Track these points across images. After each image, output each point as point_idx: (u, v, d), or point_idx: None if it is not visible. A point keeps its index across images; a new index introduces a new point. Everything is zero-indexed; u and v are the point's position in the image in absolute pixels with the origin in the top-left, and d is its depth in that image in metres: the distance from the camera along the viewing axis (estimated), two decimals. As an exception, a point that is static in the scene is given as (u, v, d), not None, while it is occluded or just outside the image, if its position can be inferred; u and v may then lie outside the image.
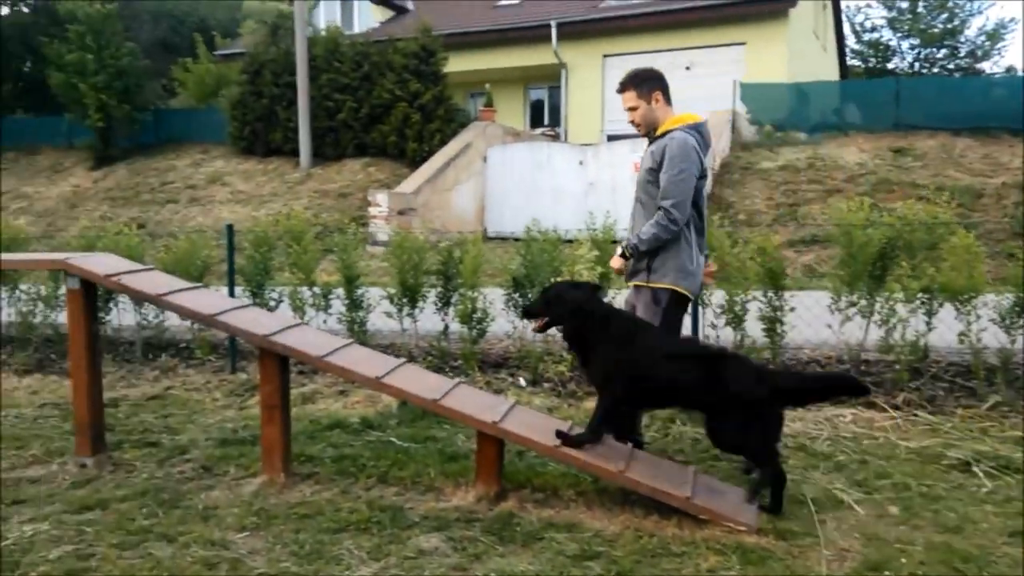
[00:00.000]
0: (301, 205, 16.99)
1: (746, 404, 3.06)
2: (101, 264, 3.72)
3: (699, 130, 3.53)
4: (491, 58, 21.21)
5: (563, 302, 3.30)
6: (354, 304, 5.60)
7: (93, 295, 3.80)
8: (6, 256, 4.13)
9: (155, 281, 3.76)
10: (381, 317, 5.74)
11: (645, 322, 3.42)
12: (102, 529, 3.03)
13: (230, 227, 5.62)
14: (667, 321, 3.49)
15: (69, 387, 5.32)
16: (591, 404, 3.95)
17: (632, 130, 3.79)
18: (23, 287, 6.28)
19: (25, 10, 30.00)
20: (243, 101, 19.12)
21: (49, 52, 20.14)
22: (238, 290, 5.73)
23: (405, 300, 5.54)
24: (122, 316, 6.17)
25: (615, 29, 19.83)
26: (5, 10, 29.70)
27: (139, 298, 3.96)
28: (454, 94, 18.57)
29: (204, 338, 5.94)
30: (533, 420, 3.59)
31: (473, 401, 3.56)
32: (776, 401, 3.15)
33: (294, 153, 18.65)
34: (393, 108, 17.73)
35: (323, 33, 19.35)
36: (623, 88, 3.60)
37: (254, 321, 3.66)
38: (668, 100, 3.61)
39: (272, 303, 5.73)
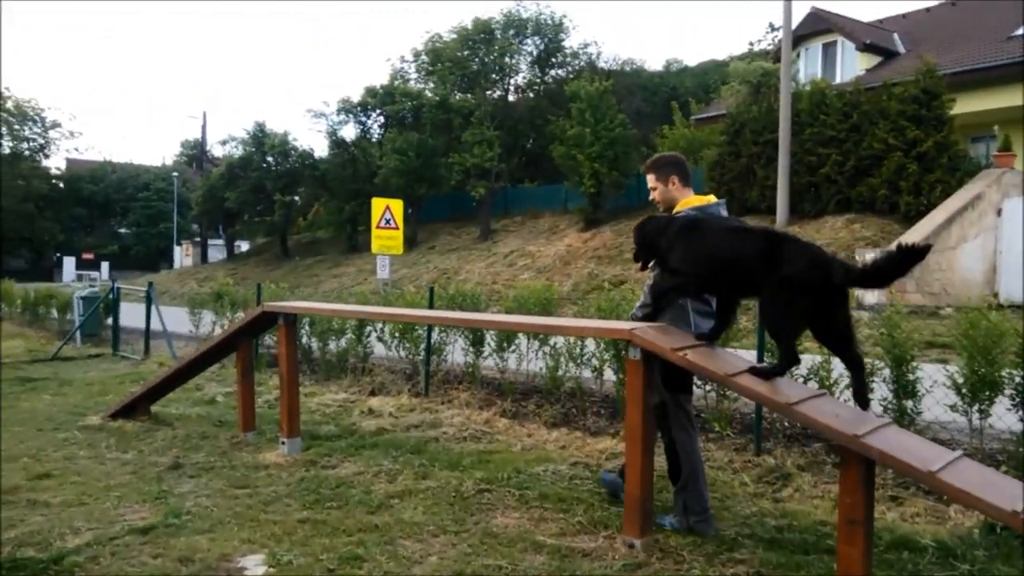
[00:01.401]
0: (777, 265, 16.29)
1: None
2: (663, 338, 3.56)
3: (703, 210, 3.86)
4: (1003, 96, 17.94)
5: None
6: (905, 389, 4.70)
7: (652, 365, 3.66)
8: (572, 322, 4.30)
9: (722, 359, 3.47)
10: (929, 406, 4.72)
11: None
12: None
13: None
14: None
15: (595, 446, 5.50)
16: None
17: None
18: (557, 341, 6.75)
19: (530, 95, 35.49)
20: (721, 161, 19.34)
21: (554, 128, 23.10)
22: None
23: (979, 390, 4.45)
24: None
25: None
26: (512, 97, 35.45)
27: (707, 376, 3.67)
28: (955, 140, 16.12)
29: (723, 411, 5.62)
30: None
31: None
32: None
33: (770, 211, 18.09)
34: (885, 159, 16.07)
35: (807, 87, 18.60)
36: (646, 171, 4.11)
37: (835, 415, 3.09)
38: (685, 182, 3.98)
39: (800, 378, 5.14)
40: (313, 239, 38.40)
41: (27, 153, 50.16)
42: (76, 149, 56.23)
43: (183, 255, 49.11)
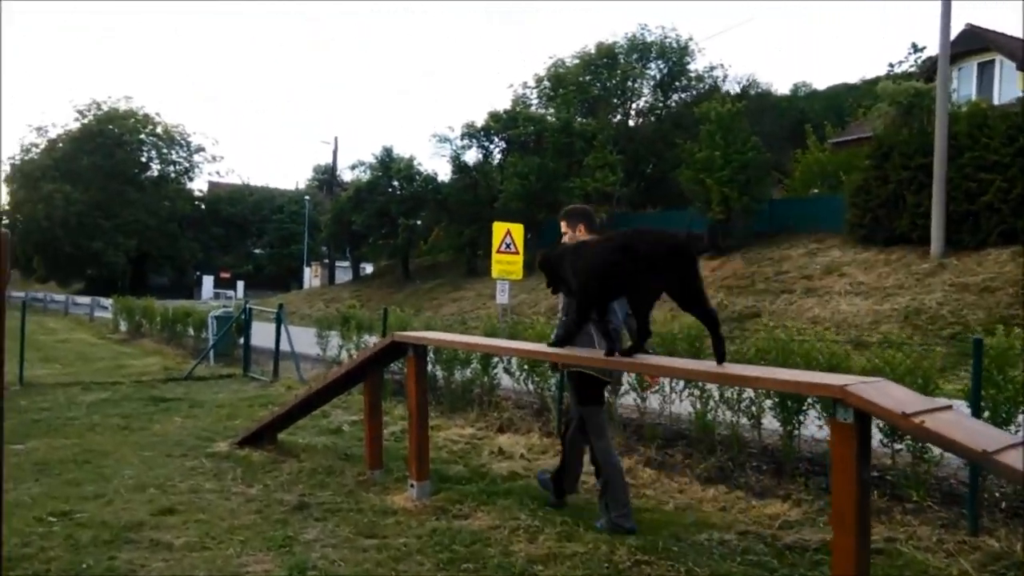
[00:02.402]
0: (934, 300, 14.78)
1: None
2: (885, 398, 2.86)
3: None
4: None
5: None
6: None
7: (867, 429, 2.96)
8: (780, 374, 3.64)
9: (972, 430, 2.73)
10: None
11: None
12: None
13: (978, 342, 4.34)
14: None
15: (763, 510, 4.75)
16: None
17: None
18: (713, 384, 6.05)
19: (652, 119, 34.72)
20: (865, 187, 17.95)
21: (681, 152, 22.24)
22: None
23: None
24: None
25: None
26: (632, 121, 34.74)
27: (957, 453, 2.91)
28: None
29: (919, 475, 4.75)
30: None
31: None
32: None
33: (921, 241, 16.59)
34: (1059, 185, 14.32)
35: (963, 108, 16.99)
36: (560, 219, 4.82)
37: None
38: (590, 229, 4.63)
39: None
40: (433, 262, 38.93)
41: (173, 176, 53.88)
42: (217, 172, 59.64)
43: (312, 276, 51.11)
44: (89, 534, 4.14)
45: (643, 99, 35.09)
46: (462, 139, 32.20)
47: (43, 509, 4.58)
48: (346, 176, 46.11)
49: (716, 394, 5.98)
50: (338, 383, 5.68)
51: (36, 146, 49.47)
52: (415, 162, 34.37)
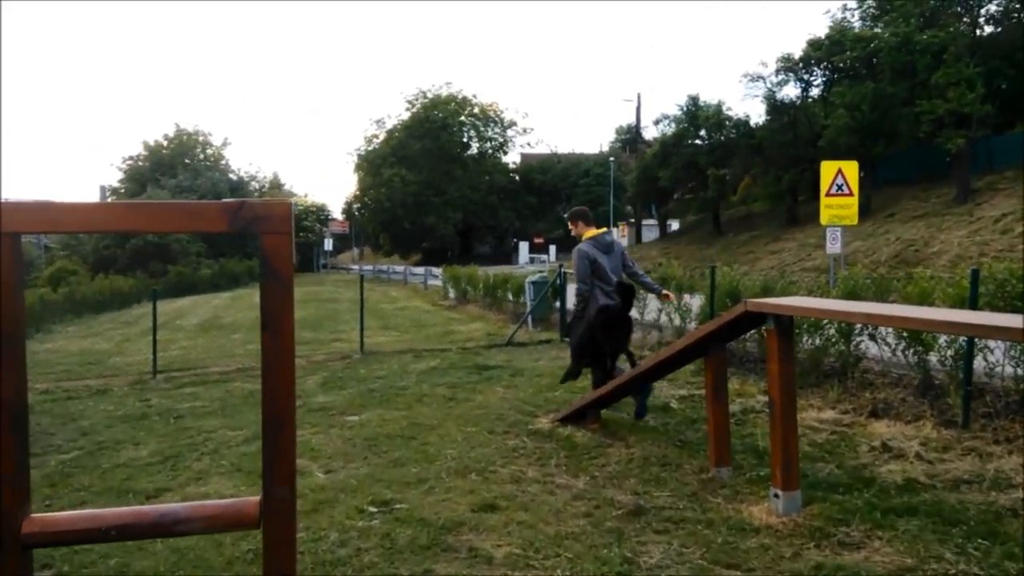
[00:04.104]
0: None
1: None
2: None
3: (595, 238, 6.09)
4: None
5: None
6: None
7: None
8: None
9: None
10: None
11: None
12: None
13: None
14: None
15: None
16: None
17: None
18: None
19: (1010, 23, 28.14)
20: None
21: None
22: None
23: None
24: None
25: None
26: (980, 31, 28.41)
27: None
28: None
29: None
30: None
31: None
32: None
33: None
34: None
35: None
36: (566, 218, 6.83)
37: None
38: (587, 225, 6.28)
39: None
40: (747, 213, 36.37)
41: (490, 151, 57.60)
42: (528, 144, 61.99)
43: (619, 236, 51.14)
44: (407, 534, 3.70)
45: (994, 2, 28.65)
46: (777, 75, 29.24)
47: (366, 496, 4.30)
48: (649, 133, 44.98)
49: None
50: (672, 360, 4.71)
51: (376, 137, 56.09)
52: (724, 107, 32.11)
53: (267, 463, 1.53)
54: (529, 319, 12.92)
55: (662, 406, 6.38)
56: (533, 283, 13.89)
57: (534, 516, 3.91)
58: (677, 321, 9.26)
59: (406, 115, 54.72)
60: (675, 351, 4.56)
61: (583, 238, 6.21)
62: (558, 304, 12.37)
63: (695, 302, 9.22)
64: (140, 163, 48.51)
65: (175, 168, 46.84)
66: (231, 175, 51.39)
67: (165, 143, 49.80)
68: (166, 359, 10.50)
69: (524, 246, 54.91)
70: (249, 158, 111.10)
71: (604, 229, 6.36)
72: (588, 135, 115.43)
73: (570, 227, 6.50)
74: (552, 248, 52.69)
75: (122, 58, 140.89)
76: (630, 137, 54.65)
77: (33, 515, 1.73)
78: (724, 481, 4.35)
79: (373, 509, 4.09)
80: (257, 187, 55.23)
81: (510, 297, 15.75)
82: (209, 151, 52.17)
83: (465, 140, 56.82)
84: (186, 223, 1.61)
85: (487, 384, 7.85)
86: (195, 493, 4.61)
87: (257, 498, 1.60)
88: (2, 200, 1.71)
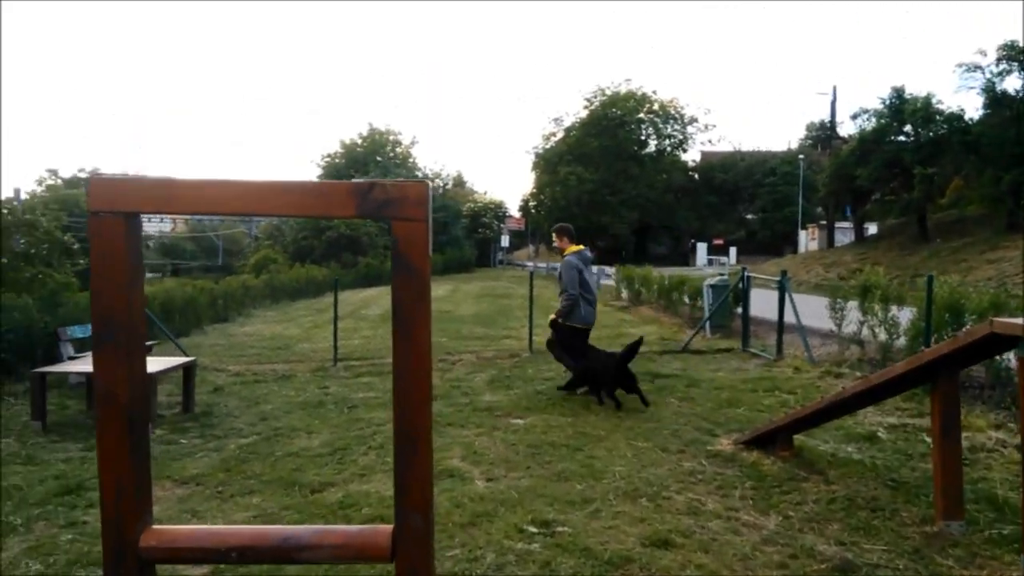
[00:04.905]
0: None
1: None
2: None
3: (578, 253, 7.18)
4: None
5: None
6: None
7: None
8: None
9: None
10: None
11: None
12: None
13: None
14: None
15: None
16: None
17: None
18: None
19: None
20: None
21: None
22: None
23: None
24: None
25: None
26: None
27: None
28: None
29: None
30: None
31: None
32: None
33: None
34: None
35: None
36: (551, 232, 7.90)
37: None
38: (570, 241, 7.31)
39: None
40: (958, 217, 32.61)
41: (668, 149, 56.10)
42: (709, 141, 59.65)
43: (808, 239, 47.87)
44: (569, 565, 3.31)
45: None
46: (998, 64, 25.86)
47: (526, 513, 3.96)
48: (845, 129, 41.62)
49: None
50: (888, 385, 3.97)
51: (554, 135, 56.40)
52: (934, 100, 28.92)
53: (399, 487, 1.30)
54: (707, 325, 12.12)
55: (868, 435, 5.54)
56: (712, 286, 13.07)
57: (716, 560, 3.38)
58: (883, 336, 8.19)
59: (584, 113, 54.54)
60: (894, 375, 3.82)
61: (566, 252, 7.20)
62: (740, 310, 11.49)
63: (904, 315, 8.11)
64: (337, 160, 51.91)
65: (367, 165, 49.67)
66: (417, 172, 53.74)
67: (360, 141, 52.95)
68: (347, 347, 10.84)
69: (702, 247, 52.95)
70: (434, 156, 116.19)
71: (583, 247, 7.37)
72: (775, 132, 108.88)
73: (554, 240, 7.55)
74: (732, 250, 50.37)
75: (314, 58, 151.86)
76: (823, 133, 50.96)
77: (153, 527, 1.52)
78: (955, 539, 3.57)
79: (533, 529, 3.74)
80: (441, 184, 57.41)
81: (686, 300, 14.96)
82: (399, 149, 54.89)
83: (643, 138, 55.72)
84: (310, 206, 1.31)
85: (659, 394, 7.29)
86: (357, 491, 4.50)
87: (390, 527, 1.36)
88: (122, 175, 1.50)
